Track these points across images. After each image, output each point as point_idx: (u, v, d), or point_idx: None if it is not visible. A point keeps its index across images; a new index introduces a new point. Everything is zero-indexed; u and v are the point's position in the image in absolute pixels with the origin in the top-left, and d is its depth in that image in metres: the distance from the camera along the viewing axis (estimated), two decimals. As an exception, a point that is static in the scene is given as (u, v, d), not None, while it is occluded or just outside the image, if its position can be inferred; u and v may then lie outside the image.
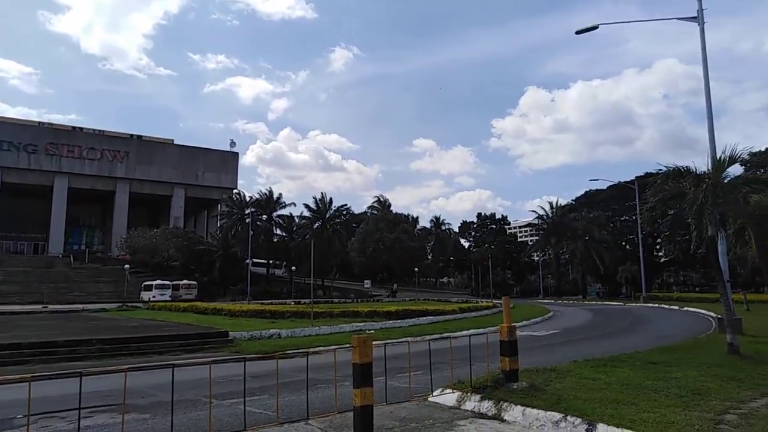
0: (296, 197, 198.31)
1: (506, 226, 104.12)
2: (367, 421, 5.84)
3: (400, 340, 17.24)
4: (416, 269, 77.10)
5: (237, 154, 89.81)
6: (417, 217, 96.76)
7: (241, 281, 61.34)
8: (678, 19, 18.38)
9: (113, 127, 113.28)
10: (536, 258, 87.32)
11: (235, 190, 80.00)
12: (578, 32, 19.13)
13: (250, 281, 57.44)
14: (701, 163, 13.06)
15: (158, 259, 63.64)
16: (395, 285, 73.66)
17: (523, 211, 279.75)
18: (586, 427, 5.94)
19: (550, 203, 78.68)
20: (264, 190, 75.24)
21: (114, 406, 7.89)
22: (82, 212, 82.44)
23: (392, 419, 6.69)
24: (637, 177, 54.35)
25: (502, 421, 6.67)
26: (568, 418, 6.19)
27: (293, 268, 64.73)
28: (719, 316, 16.97)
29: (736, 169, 13.43)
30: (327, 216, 72.16)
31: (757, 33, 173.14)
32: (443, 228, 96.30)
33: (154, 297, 49.05)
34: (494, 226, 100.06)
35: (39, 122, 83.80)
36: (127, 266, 56.05)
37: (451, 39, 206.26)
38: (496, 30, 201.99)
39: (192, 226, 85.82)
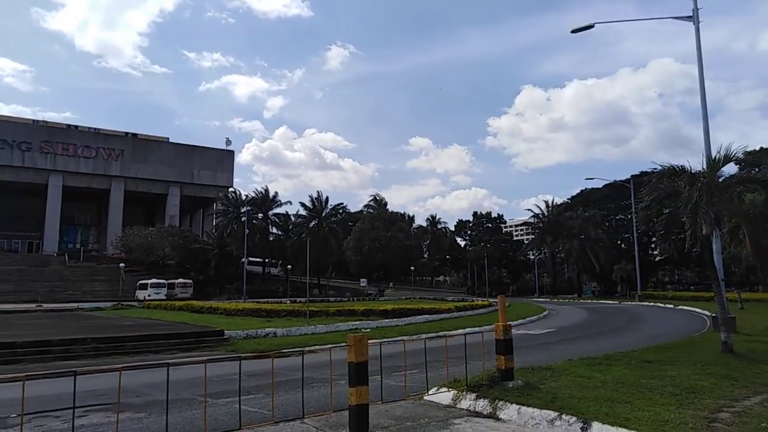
0: (292, 196, 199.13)
1: (502, 225, 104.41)
2: (363, 419, 5.84)
3: (395, 338, 17.26)
4: (412, 268, 77.17)
5: (233, 152, 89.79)
6: (413, 216, 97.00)
7: (236, 280, 61.22)
8: (673, 18, 18.42)
9: (108, 125, 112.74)
10: (532, 257, 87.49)
11: (230, 189, 79.89)
12: (574, 31, 19.13)
13: (245, 280, 57.35)
14: (696, 162, 13.15)
15: (153, 258, 63.47)
16: (391, 284, 73.75)
17: (518, 209, 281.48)
18: (581, 425, 5.95)
19: (546, 202, 79.03)
20: (260, 189, 75.37)
21: (109, 405, 7.87)
22: (77, 210, 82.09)
23: (388, 418, 6.68)
24: (632, 176, 54.55)
25: (498, 419, 6.68)
26: (564, 416, 6.21)
27: (289, 266, 64.69)
28: (713, 314, 17.03)
29: (730, 168, 13.48)
30: (323, 214, 72.13)
31: (752, 32, 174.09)
32: (439, 227, 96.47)
33: (149, 296, 48.93)
34: (490, 225, 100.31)
35: (33, 120, 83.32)
36: (122, 265, 55.93)
37: (447, 38, 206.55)
38: (492, 29, 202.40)
39: (187, 225, 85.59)
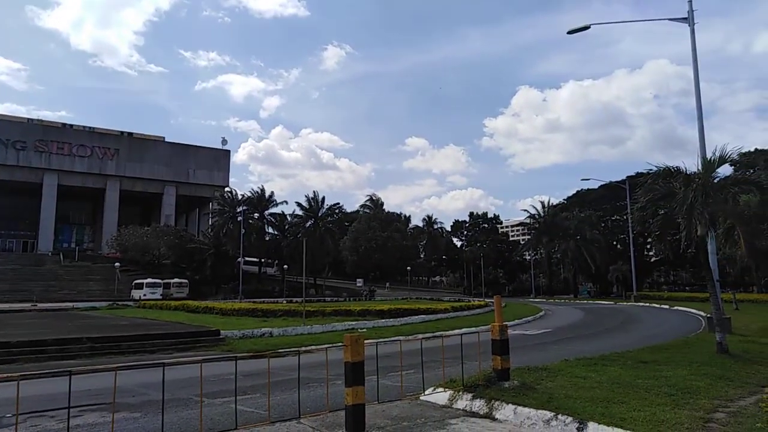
0: (288, 195, 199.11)
1: (498, 226, 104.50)
2: (359, 419, 5.84)
3: (392, 338, 17.25)
4: (408, 268, 77.20)
5: (229, 151, 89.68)
6: (409, 216, 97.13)
7: (232, 280, 61.12)
8: (669, 19, 18.48)
9: (103, 124, 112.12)
10: (528, 257, 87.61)
11: (226, 188, 79.75)
12: (570, 32, 19.16)
13: (241, 280, 57.25)
14: (692, 163, 13.13)
15: (149, 258, 63.28)
16: (387, 284, 73.74)
17: (515, 210, 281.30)
18: (576, 425, 5.97)
19: (542, 202, 79.28)
20: (256, 188, 75.30)
21: (104, 405, 7.83)
22: (72, 210, 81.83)
23: (384, 418, 6.68)
24: (628, 177, 54.62)
25: (494, 419, 6.69)
26: (559, 416, 6.22)
27: (285, 266, 64.62)
28: (709, 315, 17.09)
29: (725, 170, 13.50)
30: (319, 214, 72.08)
31: (746, 34, 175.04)
32: (435, 227, 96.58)
33: (144, 295, 48.78)
34: (486, 226, 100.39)
35: (28, 119, 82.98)
36: (117, 264, 55.77)
37: (443, 38, 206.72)
38: (488, 29, 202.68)
39: (183, 224, 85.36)
